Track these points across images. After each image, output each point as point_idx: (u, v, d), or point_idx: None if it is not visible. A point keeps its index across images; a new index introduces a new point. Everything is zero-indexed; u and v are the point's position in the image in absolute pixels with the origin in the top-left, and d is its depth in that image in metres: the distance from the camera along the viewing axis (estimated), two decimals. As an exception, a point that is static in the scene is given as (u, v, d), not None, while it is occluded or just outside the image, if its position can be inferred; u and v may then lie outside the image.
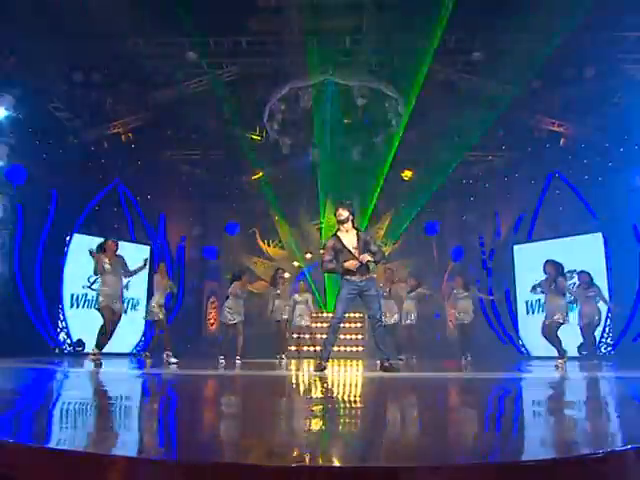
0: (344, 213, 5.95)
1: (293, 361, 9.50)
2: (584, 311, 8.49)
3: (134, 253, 12.31)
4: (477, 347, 12.12)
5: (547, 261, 7.21)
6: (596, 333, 9.28)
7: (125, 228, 12.26)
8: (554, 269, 7.07)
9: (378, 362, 5.98)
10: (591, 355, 8.63)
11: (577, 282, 8.87)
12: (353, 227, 6.03)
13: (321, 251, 6.33)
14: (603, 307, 9.00)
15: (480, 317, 12.69)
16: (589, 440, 1.82)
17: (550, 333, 7.04)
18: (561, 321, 6.94)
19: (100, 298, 6.90)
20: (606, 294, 9.16)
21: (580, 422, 2.25)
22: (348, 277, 5.84)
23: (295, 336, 10.71)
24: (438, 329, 13.33)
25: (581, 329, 8.66)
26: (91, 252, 6.84)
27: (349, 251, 5.85)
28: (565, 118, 11.58)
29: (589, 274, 8.66)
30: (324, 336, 6.41)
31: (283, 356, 9.63)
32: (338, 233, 6.05)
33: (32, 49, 10.02)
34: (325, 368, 5.76)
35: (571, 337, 7.83)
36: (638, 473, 1.43)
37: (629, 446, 1.47)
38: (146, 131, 12.20)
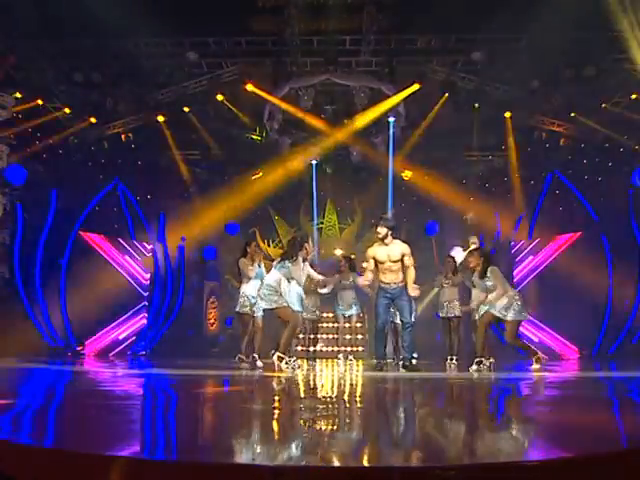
0: (382, 231, 6.08)
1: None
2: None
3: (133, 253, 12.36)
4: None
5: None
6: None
7: (125, 228, 12.23)
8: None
9: (400, 363, 6.52)
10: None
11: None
12: (393, 239, 6.17)
13: (364, 264, 6.58)
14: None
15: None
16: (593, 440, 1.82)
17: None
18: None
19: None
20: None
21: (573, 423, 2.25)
22: (382, 285, 6.13)
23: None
24: (439, 329, 13.26)
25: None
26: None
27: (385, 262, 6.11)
28: (565, 118, 11.55)
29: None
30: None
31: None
32: (377, 245, 6.19)
33: (32, 49, 10.01)
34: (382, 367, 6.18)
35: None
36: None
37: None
38: (146, 131, 12.17)
